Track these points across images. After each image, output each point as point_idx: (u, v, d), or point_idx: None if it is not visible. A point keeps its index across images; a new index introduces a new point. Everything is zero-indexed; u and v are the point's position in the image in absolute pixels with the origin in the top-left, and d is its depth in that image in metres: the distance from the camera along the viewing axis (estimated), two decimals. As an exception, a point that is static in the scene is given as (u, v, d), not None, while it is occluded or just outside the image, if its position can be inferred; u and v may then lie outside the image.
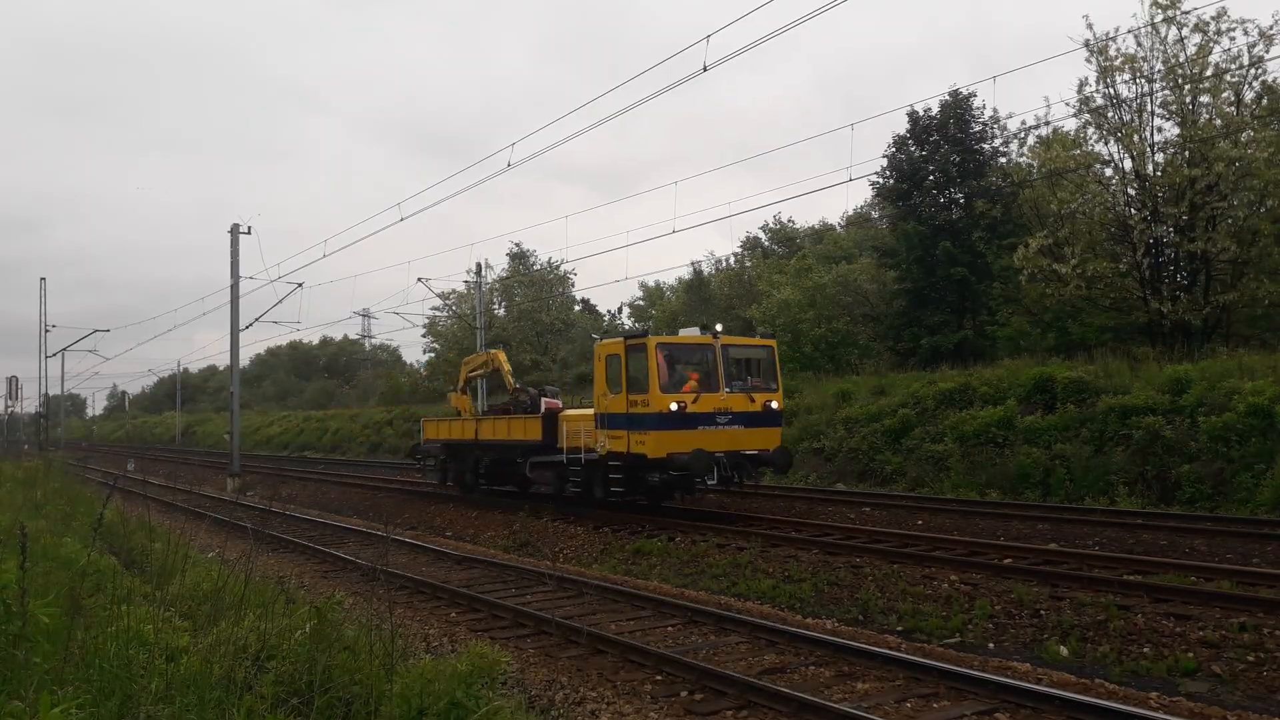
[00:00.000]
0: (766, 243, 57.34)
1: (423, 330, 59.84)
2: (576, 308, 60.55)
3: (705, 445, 16.75)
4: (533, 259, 58.16)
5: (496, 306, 56.87)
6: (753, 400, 17.67)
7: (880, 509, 18.85)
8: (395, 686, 5.93)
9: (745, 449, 17.37)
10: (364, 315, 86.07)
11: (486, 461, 23.18)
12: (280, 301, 35.23)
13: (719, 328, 18.12)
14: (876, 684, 8.22)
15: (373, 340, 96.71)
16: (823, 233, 52.25)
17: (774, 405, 18.05)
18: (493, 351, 26.00)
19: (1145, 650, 8.99)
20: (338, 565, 15.33)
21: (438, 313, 57.57)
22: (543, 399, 21.50)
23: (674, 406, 16.79)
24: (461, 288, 54.44)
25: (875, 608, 11.30)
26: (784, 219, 58.47)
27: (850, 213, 52.57)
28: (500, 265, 59.08)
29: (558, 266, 56.61)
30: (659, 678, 8.55)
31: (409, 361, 79.94)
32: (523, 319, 55.46)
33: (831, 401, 26.97)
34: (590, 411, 19.18)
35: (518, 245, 58.34)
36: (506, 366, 24.49)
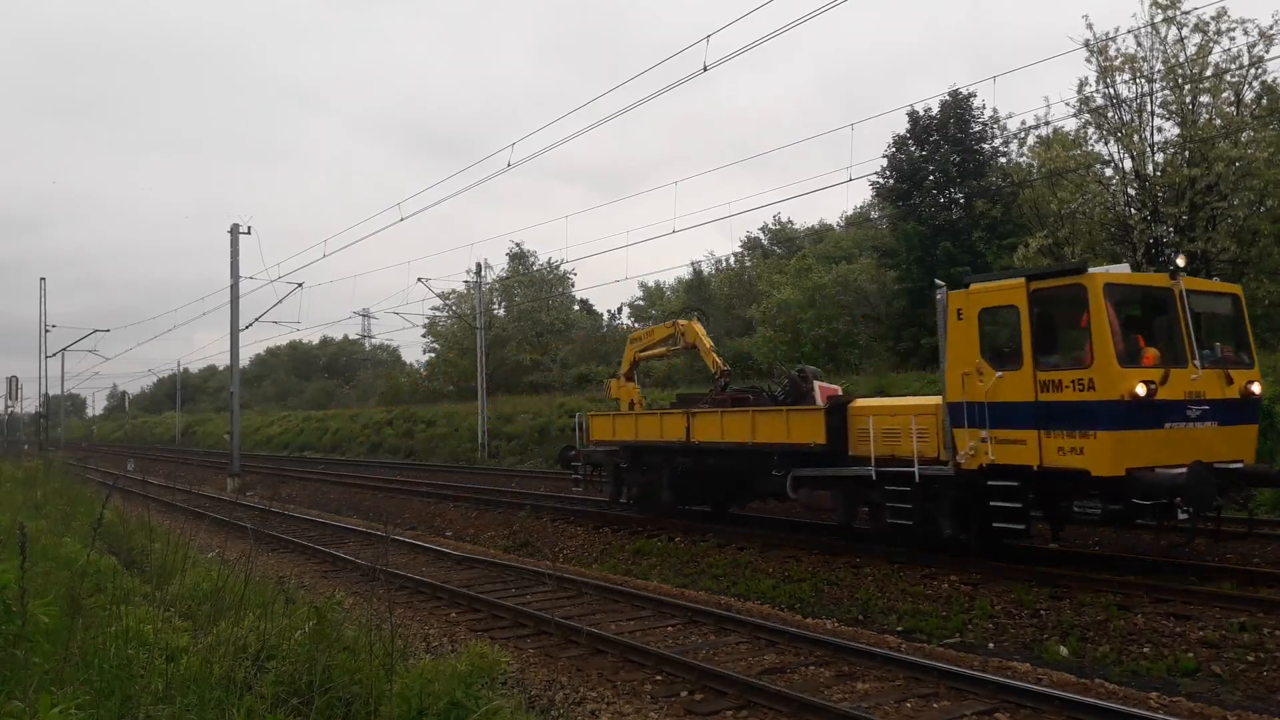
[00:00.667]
0: (766, 243, 57.42)
1: (423, 330, 59.97)
2: (575, 307, 60.62)
3: (1187, 454, 10.57)
4: (532, 259, 58.32)
5: (496, 306, 56.95)
6: (1230, 381, 11.28)
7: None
8: (395, 686, 5.95)
9: (1221, 459, 10.93)
10: (364, 315, 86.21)
11: (695, 472, 16.92)
12: (280, 301, 35.25)
13: (1181, 261, 11.61)
14: (876, 684, 8.24)
15: (372, 340, 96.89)
16: (822, 233, 52.31)
17: (1255, 389, 11.54)
18: (681, 322, 19.09)
19: (1145, 650, 8.99)
20: (338, 565, 15.34)
21: (438, 313, 57.68)
22: (816, 384, 15.66)
23: (1141, 390, 10.33)
24: (461, 288, 54.57)
25: (875, 608, 11.31)
26: (783, 219, 58.62)
27: (850, 213, 52.69)
28: (500, 265, 59.24)
29: (557, 266, 56.77)
30: (659, 678, 8.57)
31: (409, 361, 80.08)
32: (522, 319, 55.52)
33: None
34: (908, 401, 13.92)
35: (518, 245, 58.56)
36: (707, 342, 18.39)
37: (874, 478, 12.78)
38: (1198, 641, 8.95)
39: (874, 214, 46.46)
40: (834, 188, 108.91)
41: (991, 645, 9.72)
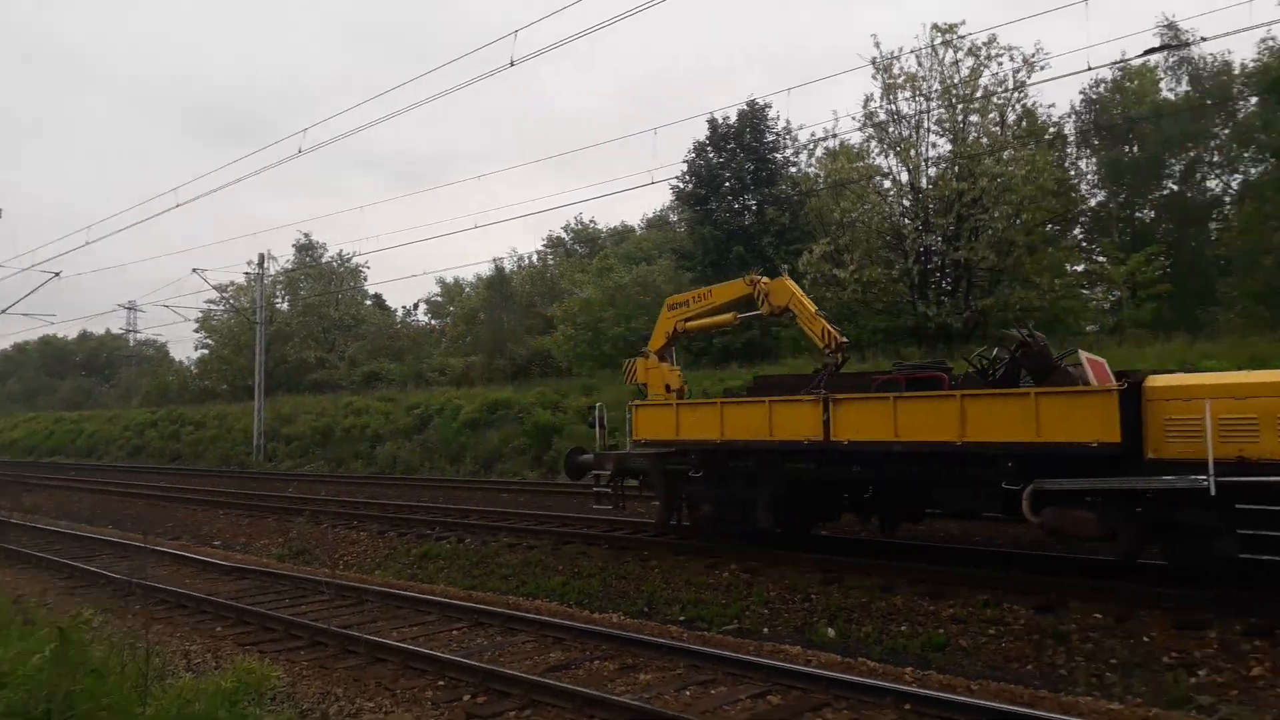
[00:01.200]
0: (569, 242, 57.75)
1: (195, 325, 56.09)
2: (367, 303, 58.55)
3: None
4: (321, 251, 55.86)
5: (280, 300, 54.14)
6: None
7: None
8: (149, 709, 5.54)
9: None
10: (129, 308, 79.47)
11: (823, 484, 12.39)
12: (33, 292, 31.94)
13: None
14: (659, 674, 8.40)
15: (138, 335, 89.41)
16: (624, 234, 53.20)
17: None
18: (765, 280, 13.87)
19: (903, 629, 9.65)
20: (88, 580, 13.98)
21: (213, 306, 54.18)
22: (1082, 355, 10.56)
23: None
24: (242, 280, 51.48)
25: (660, 599, 11.54)
26: (586, 219, 59.17)
27: (651, 215, 53.89)
28: (286, 257, 56.33)
29: (348, 259, 54.72)
30: (441, 683, 8.40)
31: (179, 359, 74.46)
32: (308, 314, 53.07)
33: (629, 398, 27.41)
34: (1268, 376, 9.23)
35: (306, 236, 55.92)
36: (810, 305, 13.43)
37: (1212, 492, 8.63)
38: (948, 618, 9.69)
39: (673, 217, 47.72)
40: (637, 189, 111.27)
41: (766, 630, 10.15)
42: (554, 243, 58.28)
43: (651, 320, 38.08)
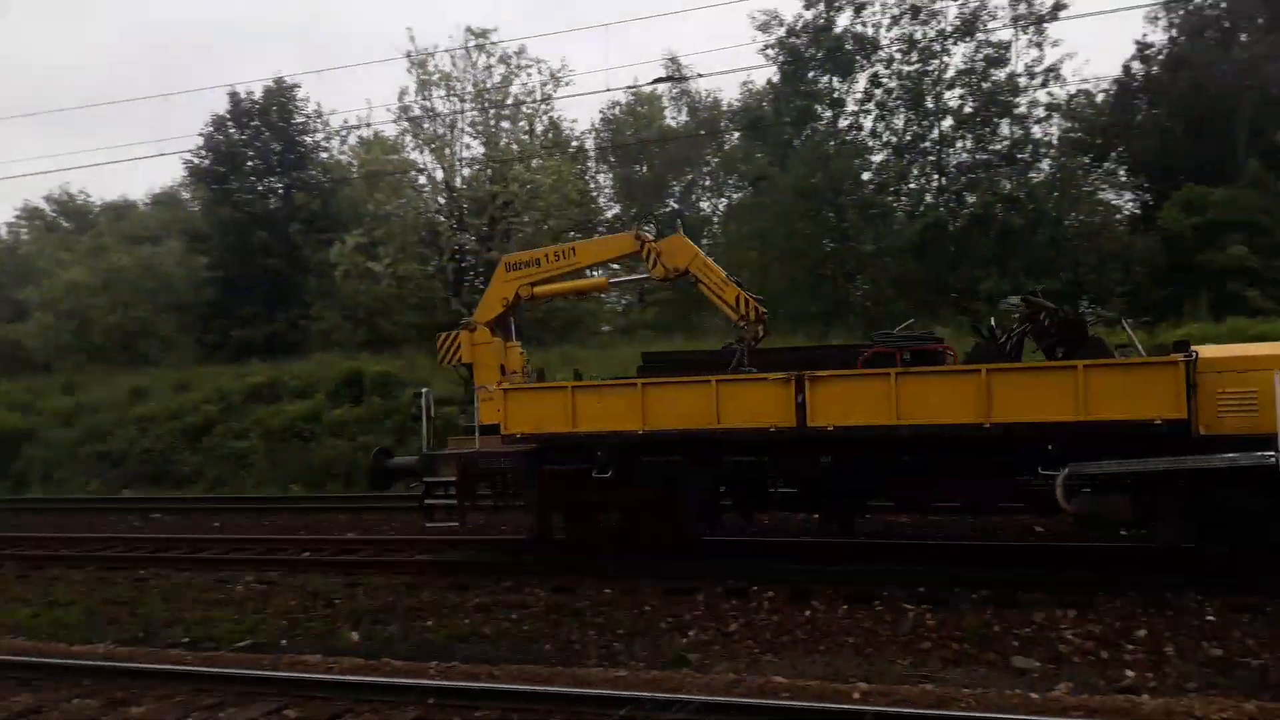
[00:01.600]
0: (52, 214, 49.52)
1: None
2: None
3: None
4: None
5: None
6: None
7: (174, 514, 17.47)
8: None
9: None
10: None
11: (778, 477, 10.49)
12: None
13: None
14: (156, 705, 7.50)
15: None
16: (124, 209, 46.95)
17: None
18: (650, 240, 11.50)
19: (429, 623, 9.60)
20: None
21: None
22: (1128, 330, 10.34)
23: None
24: None
25: (160, 622, 10.26)
26: (74, 190, 51.08)
27: (158, 191, 48.23)
28: None
29: None
30: None
31: None
32: None
33: (124, 398, 24.21)
34: None
35: None
36: (718, 269, 11.33)
37: None
38: (474, 608, 9.85)
39: (186, 194, 43.33)
40: (142, 160, 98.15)
41: (285, 642, 9.47)
42: (31, 214, 49.58)
43: (157, 309, 34.32)
